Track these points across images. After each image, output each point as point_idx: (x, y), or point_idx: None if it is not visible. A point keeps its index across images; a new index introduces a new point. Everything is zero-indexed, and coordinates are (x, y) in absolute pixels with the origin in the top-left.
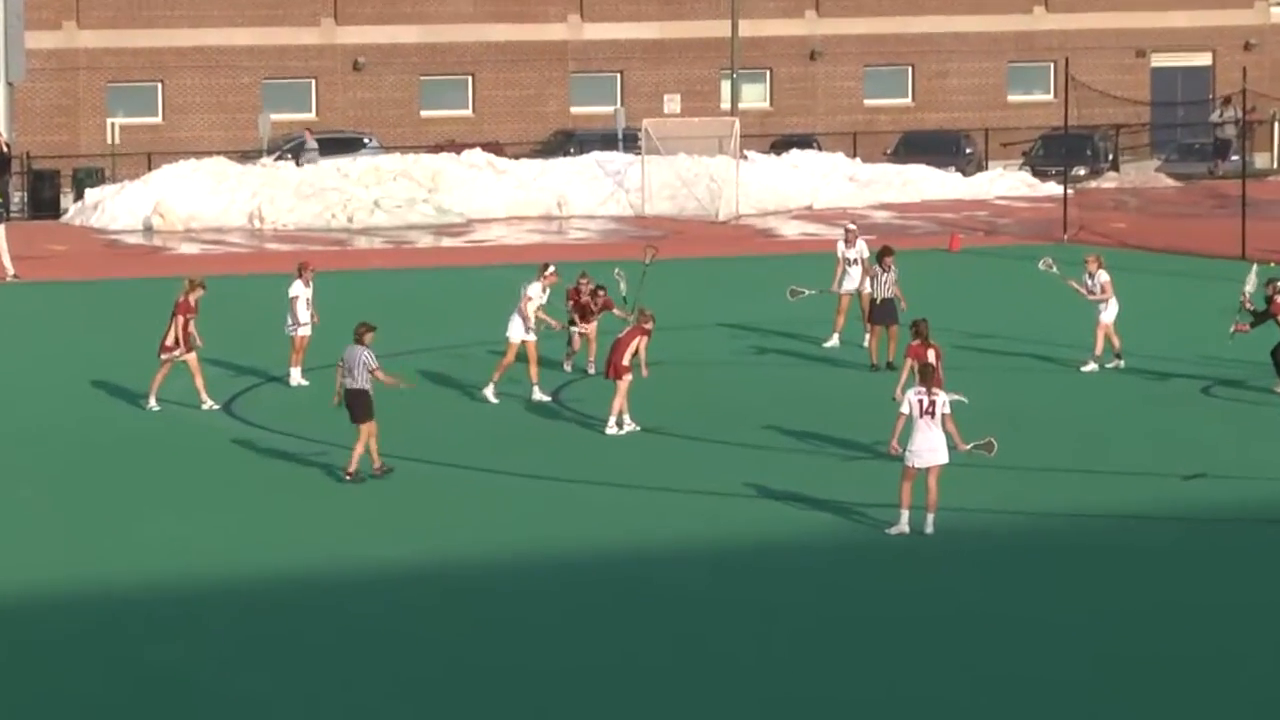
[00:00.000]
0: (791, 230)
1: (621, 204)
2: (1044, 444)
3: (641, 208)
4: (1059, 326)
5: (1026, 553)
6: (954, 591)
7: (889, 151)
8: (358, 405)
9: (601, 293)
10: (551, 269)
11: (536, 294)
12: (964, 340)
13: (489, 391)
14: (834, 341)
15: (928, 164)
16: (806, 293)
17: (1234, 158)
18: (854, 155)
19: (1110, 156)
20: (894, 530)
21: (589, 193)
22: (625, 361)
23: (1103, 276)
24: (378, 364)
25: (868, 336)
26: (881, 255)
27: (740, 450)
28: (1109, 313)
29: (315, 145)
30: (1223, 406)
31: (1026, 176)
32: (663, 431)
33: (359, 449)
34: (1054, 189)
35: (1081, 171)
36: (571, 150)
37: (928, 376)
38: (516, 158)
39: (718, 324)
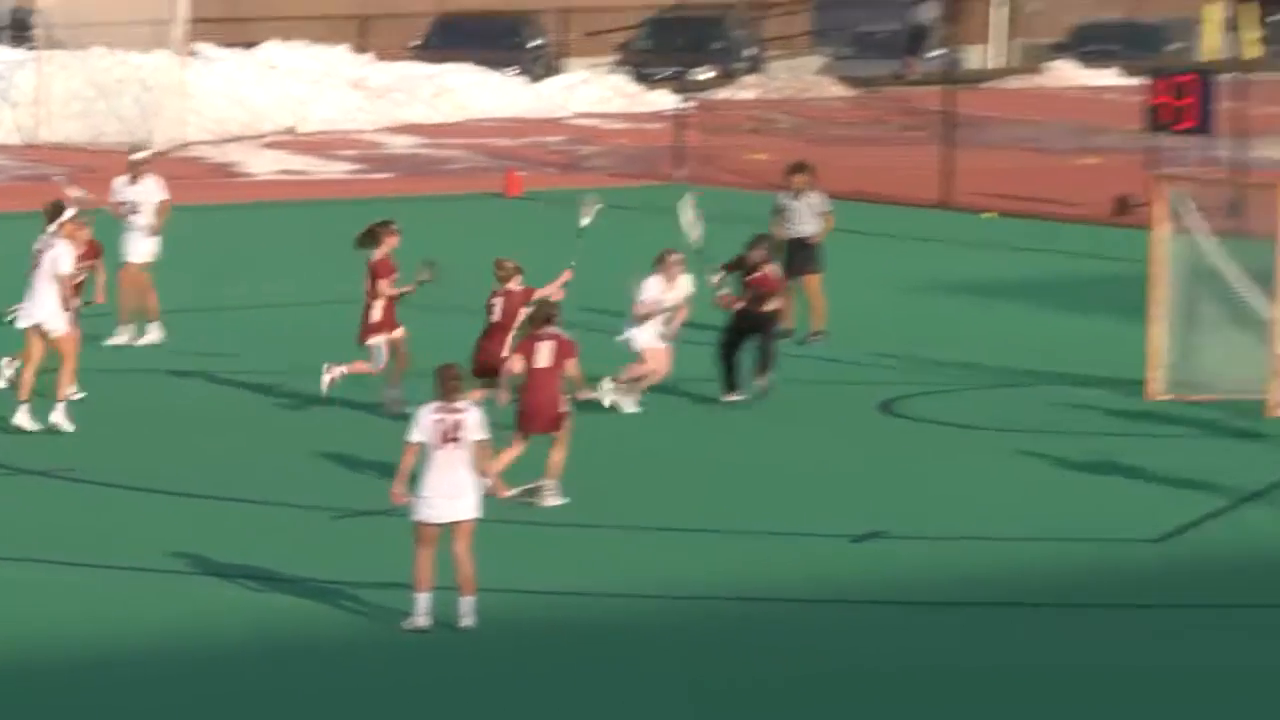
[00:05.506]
0: (265, 165)
1: (6, 126)
2: (651, 489)
3: (34, 131)
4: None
5: (589, 645)
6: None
7: (415, 44)
8: None
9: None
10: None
11: None
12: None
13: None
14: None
15: (474, 63)
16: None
17: (934, 53)
18: (363, 50)
19: (751, 51)
20: (411, 624)
21: None
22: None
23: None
24: None
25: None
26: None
27: None
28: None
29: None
30: (914, 430)
31: (624, 82)
32: None
33: None
34: (666, 101)
35: (706, 74)
36: None
37: (450, 384)
38: None
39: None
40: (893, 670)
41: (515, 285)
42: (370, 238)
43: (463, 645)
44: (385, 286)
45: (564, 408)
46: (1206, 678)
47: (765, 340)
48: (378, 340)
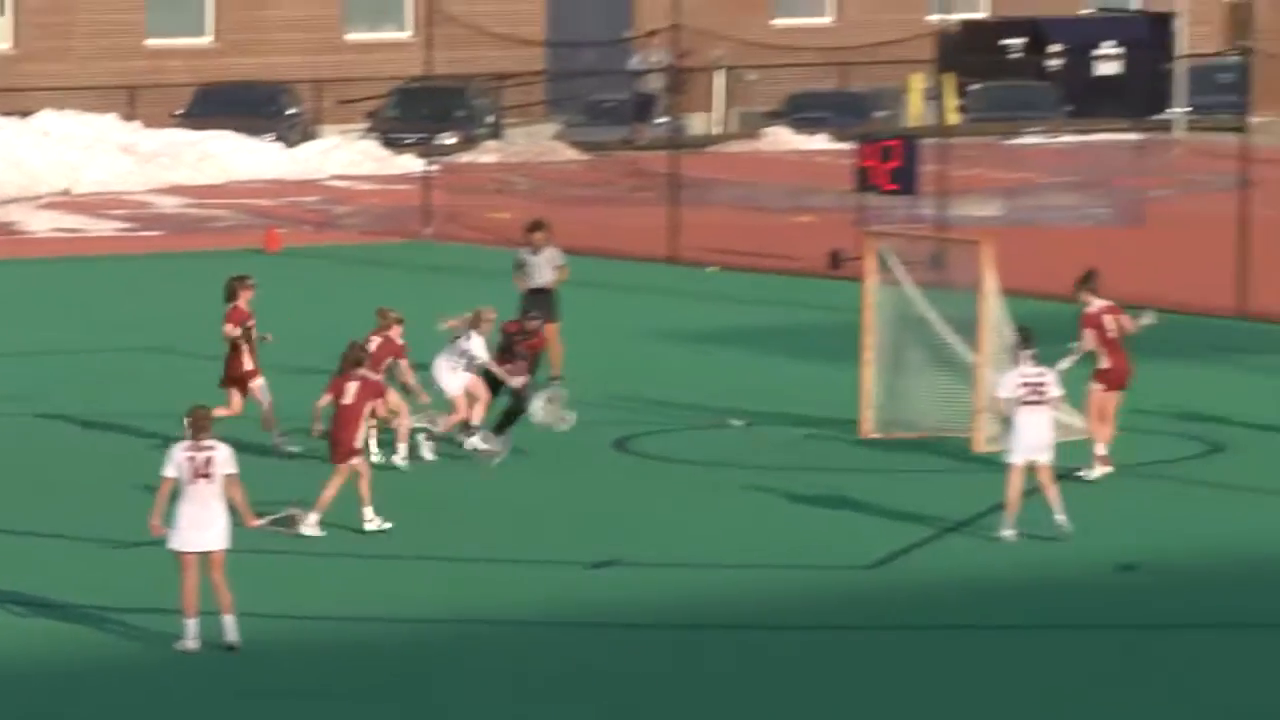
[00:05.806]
0: (42, 224)
1: None
2: (399, 522)
3: None
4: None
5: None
6: None
7: (179, 112)
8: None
9: None
10: None
11: None
12: (289, 379)
13: None
14: None
15: (235, 129)
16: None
17: (660, 120)
18: (132, 117)
19: (491, 118)
20: (181, 646)
21: None
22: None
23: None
24: None
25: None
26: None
27: None
28: None
29: None
30: (645, 466)
31: (374, 147)
32: None
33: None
34: (413, 164)
35: (450, 140)
36: None
37: (201, 422)
38: None
39: None
40: (623, 685)
41: (394, 334)
42: (227, 289)
43: (229, 665)
44: (226, 330)
45: (358, 444)
46: (905, 695)
47: (517, 399)
48: (258, 382)
